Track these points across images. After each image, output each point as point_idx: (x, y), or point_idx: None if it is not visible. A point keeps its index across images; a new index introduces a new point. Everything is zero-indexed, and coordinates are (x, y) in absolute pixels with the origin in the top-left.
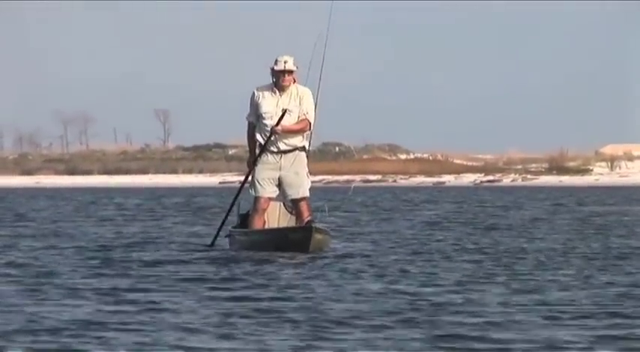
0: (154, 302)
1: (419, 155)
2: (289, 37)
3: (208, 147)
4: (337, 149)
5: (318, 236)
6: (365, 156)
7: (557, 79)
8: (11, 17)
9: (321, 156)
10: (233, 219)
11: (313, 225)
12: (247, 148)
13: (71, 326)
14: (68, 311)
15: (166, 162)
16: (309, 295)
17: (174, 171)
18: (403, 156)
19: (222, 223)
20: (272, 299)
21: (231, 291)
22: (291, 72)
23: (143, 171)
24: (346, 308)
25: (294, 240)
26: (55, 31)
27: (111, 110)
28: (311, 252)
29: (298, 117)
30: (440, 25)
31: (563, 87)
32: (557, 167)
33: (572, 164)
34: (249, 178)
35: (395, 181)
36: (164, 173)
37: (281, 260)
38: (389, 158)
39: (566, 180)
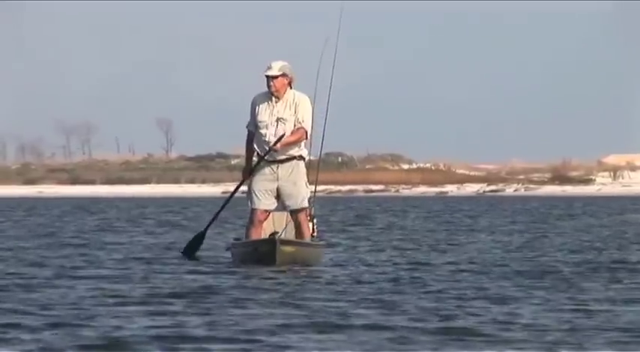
0: None
1: (421, 165)
2: (294, 45)
3: (211, 157)
4: (340, 159)
5: (287, 248)
6: (367, 166)
7: (560, 89)
8: (11, 26)
9: (323, 166)
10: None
11: (278, 237)
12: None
13: None
14: None
15: (169, 172)
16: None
17: (176, 181)
18: (406, 166)
19: (207, 228)
20: None
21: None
22: (275, 77)
23: (145, 180)
24: None
25: (262, 253)
26: (57, 40)
27: (113, 120)
28: (279, 266)
29: (294, 125)
30: (441, 34)
31: (566, 97)
32: (560, 177)
33: (574, 174)
34: (247, 189)
35: (397, 191)
36: (166, 183)
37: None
38: (391, 168)
39: (569, 189)
